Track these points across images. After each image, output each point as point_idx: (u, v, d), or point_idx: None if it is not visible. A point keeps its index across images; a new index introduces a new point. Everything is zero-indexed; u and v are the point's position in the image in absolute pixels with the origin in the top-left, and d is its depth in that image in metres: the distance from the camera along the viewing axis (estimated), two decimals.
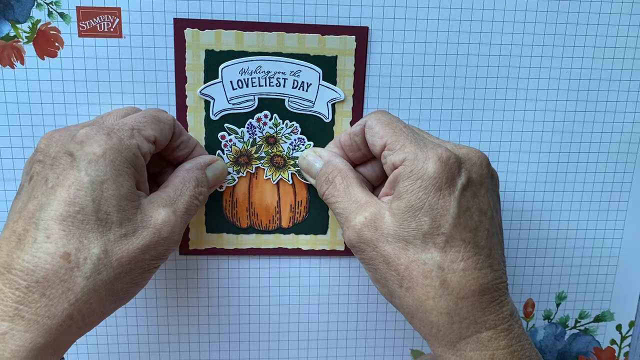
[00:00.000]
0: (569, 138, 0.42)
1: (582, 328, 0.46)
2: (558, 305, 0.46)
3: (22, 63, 0.37)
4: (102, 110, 0.38)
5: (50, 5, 0.36)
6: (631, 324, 0.47)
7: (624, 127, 0.42)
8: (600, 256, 0.45)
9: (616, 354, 0.47)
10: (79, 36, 0.37)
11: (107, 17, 0.37)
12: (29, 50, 0.37)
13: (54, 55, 0.37)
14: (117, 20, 0.37)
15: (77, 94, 0.38)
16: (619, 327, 0.47)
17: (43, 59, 0.37)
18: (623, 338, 0.47)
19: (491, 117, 0.41)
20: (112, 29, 0.37)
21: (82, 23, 0.37)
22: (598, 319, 0.46)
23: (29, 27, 0.37)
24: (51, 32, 0.37)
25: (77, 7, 0.36)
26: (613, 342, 0.47)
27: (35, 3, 0.36)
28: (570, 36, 0.40)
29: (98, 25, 0.37)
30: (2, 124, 0.38)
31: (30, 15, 0.36)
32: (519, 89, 0.40)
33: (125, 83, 0.38)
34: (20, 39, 0.37)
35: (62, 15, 0.36)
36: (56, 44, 0.37)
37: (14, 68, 0.37)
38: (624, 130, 0.42)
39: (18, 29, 0.37)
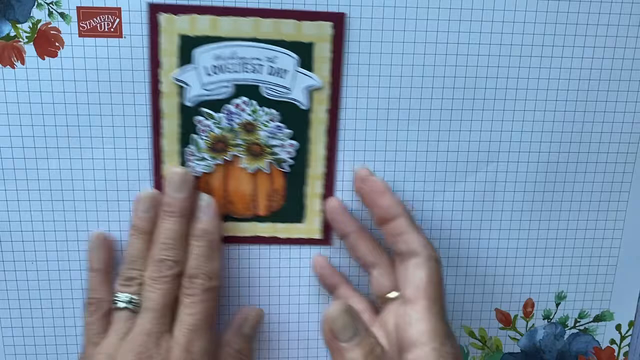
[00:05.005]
0: (569, 138, 0.42)
1: (581, 328, 0.47)
2: (558, 305, 0.46)
3: (23, 63, 0.37)
4: (103, 111, 0.38)
5: (51, 5, 0.36)
6: (631, 324, 0.47)
7: (623, 127, 0.42)
8: (599, 256, 0.45)
9: (615, 354, 0.47)
10: (79, 36, 0.37)
11: (108, 17, 0.37)
12: (30, 50, 0.37)
13: (54, 55, 0.37)
14: (118, 20, 0.37)
15: (77, 94, 0.38)
16: (618, 327, 0.47)
17: (43, 58, 0.37)
18: (622, 338, 0.47)
19: (491, 117, 0.41)
20: (112, 29, 0.37)
21: (82, 23, 0.37)
22: (598, 318, 0.46)
23: (29, 27, 0.37)
24: (51, 32, 0.37)
25: (77, 7, 0.36)
26: (612, 341, 0.47)
27: (36, 3, 0.36)
28: (570, 36, 0.40)
29: (98, 25, 0.37)
30: (2, 124, 0.38)
31: (31, 15, 0.36)
32: (519, 89, 0.40)
33: (126, 83, 0.38)
34: (20, 39, 0.37)
35: (62, 15, 0.37)
36: (56, 44, 0.37)
37: (14, 68, 0.37)
38: (623, 130, 0.42)
39: (18, 29, 0.37)
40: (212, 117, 0.39)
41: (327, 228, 0.42)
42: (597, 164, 0.43)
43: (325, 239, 0.42)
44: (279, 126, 0.39)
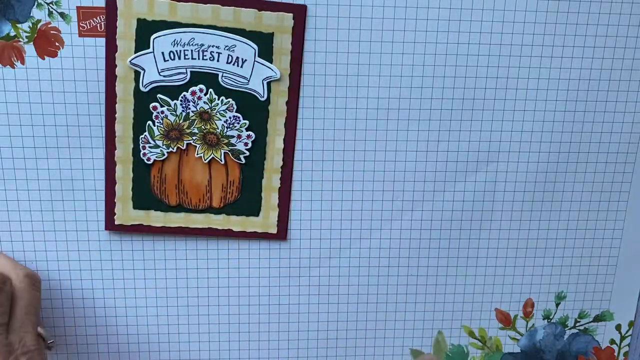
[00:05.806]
0: (569, 138, 0.42)
1: (581, 328, 0.47)
2: (558, 305, 0.46)
3: (23, 63, 0.37)
4: (103, 111, 0.38)
5: (51, 5, 0.36)
6: (630, 324, 0.47)
7: (623, 127, 0.42)
8: (599, 256, 0.45)
9: (615, 354, 0.47)
10: (79, 36, 0.37)
11: None
12: (30, 50, 0.37)
13: (54, 55, 0.37)
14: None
15: (77, 93, 0.38)
16: (618, 327, 0.47)
17: (43, 58, 0.37)
18: (622, 338, 0.47)
19: (491, 117, 0.41)
20: None
21: (82, 23, 0.37)
22: (597, 318, 0.46)
23: (29, 26, 0.37)
24: (51, 32, 0.37)
25: (77, 7, 0.36)
26: (612, 341, 0.47)
27: (36, 3, 0.36)
28: (570, 36, 0.40)
29: (98, 25, 0.37)
30: (2, 123, 0.38)
31: (31, 15, 0.36)
32: (519, 89, 0.40)
33: None
34: (20, 39, 0.37)
35: (62, 15, 0.37)
36: (56, 44, 0.37)
37: (14, 68, 0.37)
38: (623, 130, 0.42)
39: (18, 29, 0.37)
40: (168, 104, 0.38)
41: (282, 223, 0.41)
42: (597, 164, 0.43)
43: (280, 234, 0.42)
44: (236, 116, 0.38)
